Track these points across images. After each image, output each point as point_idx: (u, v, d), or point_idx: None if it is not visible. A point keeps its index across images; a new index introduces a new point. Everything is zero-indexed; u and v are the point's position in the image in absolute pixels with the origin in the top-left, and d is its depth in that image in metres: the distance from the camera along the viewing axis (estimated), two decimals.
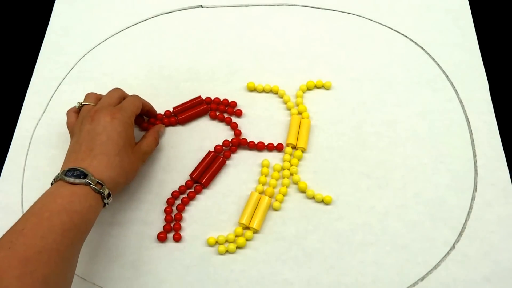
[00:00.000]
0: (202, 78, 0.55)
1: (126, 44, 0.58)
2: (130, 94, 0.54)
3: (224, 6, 0.60)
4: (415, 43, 0.56)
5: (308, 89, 0.54)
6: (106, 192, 0.41)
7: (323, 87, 0.54)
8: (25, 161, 0.51)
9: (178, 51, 0.57)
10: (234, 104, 0.52)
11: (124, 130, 0.44)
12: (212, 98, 0.53)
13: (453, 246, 0.45)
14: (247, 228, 0.46)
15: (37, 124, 0.53)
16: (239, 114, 0.52)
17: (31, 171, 0.50)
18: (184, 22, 0.59)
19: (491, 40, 0.57)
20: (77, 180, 0.39)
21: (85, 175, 0.39)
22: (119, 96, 0.47)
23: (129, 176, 0.44)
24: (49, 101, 0.54)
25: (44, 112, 0.53)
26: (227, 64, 0.56)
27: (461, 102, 0.52)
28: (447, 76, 0.54)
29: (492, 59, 0.55)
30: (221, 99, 0.53)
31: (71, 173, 0.39)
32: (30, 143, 0.52)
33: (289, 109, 0.53)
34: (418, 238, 0.45)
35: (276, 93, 0.54)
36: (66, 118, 0.48)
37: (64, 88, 0.55)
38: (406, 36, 0.57)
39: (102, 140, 0.42)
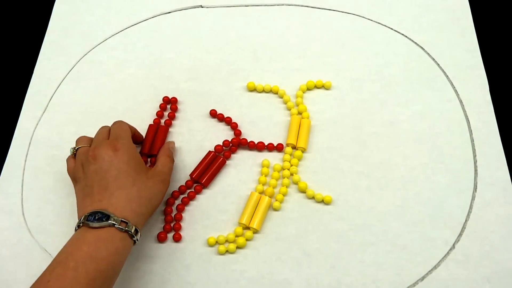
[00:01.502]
0: (202, 78, 0.55)
1: (126, 44, 0.58)
2: (129, 95, 0.54)
3: (224, 6, 0.60)
4: (415, 43, 0.56)
5: (308, 89, 0.54)
6: (132, 230, 0.39)
7: (323, 87, 0.54)
8: (25, 161, 0.51)
9: (178, 51, 0.57)
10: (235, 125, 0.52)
11: (132, 158, 0.42)
12: (213, 107, 0.53)
13: (453, 246, 0.45)
14: (247, 228, 0.46)
15: (37, 124, 0.53)
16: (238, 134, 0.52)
17: (31, 171, 0.50)
18: (184, 22, 0.59)
19: (491, 40, 0.57)
20: (101, 224, 0.37)
21: (107, 216, 0.38)
22: (107, 130, 0.46)
23: (153, 203, 0.42)
24: (49, 101, 0.54)
25: (44, 112, 0.54)
26: (227, 64, 0.56)
27: (461, 102, 0.52)
28: (447, 76, 0.54)
29: (492, 59, 0.55)
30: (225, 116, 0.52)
31: (93, 217, 0.38)
32: (30, 143, 0.52)
33: (289, 109, 0.53)
34: (418, 238, 0.45)
35: (276, 93, 0.54)
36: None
37: (64, 88, 0.55)
38: (406, 36, 0.57)
39: (113, 175, 0.40)
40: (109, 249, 0.37)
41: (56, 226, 0.47)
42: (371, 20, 0.58)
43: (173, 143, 0.49)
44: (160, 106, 0.53)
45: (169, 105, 0.53)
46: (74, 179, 0.44)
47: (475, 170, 0.48)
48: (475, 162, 0.49)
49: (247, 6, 0.60)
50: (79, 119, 0.53)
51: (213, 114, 0.52)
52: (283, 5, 0.60)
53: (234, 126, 0.52)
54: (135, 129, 0.49)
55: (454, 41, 0.56)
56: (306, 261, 0.45)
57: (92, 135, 0.52)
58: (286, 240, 0.46)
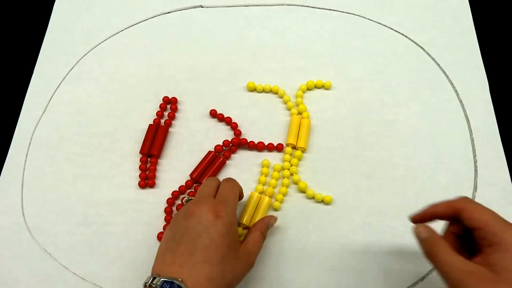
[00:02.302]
0: (202, 78, 0.55)
1: (126, 44, 0.58)
2: (129, 95, 0.54)
3: (224, 6, 0.60)
4: (415, 43, 0.56)
5: (308, 89, 0.54)
6: None
7: (323, 87, 0.54)
8: (25, 161, 0.51)
9: (178, 51, 0.57)
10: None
11: (229, 232, 0.38)
12: (213, 107, 0.53)
13: None
14: (247, 228, 0.46)
15: (37, 124, 0.53)
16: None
17: (31, 171, 0.50)
18: (184, 22, 0.59)
19: (491, 40, 0.57)
20: None
21: None
22: (217, 185, 0.42)
23: (232, 285, 0.38)
24: (49, 101, 0.54)
25: (44, 112, 0.54)
26: (227, 64, 0.56)
27: (461, 102, 0.52)
28: (447, 76, 0.54)
29: (492, 59, 0.55)
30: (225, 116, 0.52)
31: (168, 286, 0.34)
32: (30, 143, 0.52)
33: (289, 109, 0.53)
34: None
35: (276, 93, 0.54)
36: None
37: (64, 88, 0.55)
38: (406, 36, 0.57)
39: (204, 244, 0.36)
40: None
41: (56, 226, 0.47)
42: (371, 20, 0.58)
43: (274, 219, 0.45)
44: (160, 106, 0.53)
45: (169, 105, 0.53)
46: (170, 223, 0.40)
47: (475, 170, 0.48)
48: (475, 162, 0.49)
49: (247, 6, 0.60)
50: (79, 119, 0.53)
51: (213, 114, 0.52)
52: (283, 5, 0.60)
53: (234, 126, 0.52)
54: (241, 189, 0.44)
55: (454, 41, 0.56)
56: (306, 261, 0.45)
57: (92, 135, 0.52)
58: (286, 240, 0.46)
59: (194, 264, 0.36)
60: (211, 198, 0.40)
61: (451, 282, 0.32)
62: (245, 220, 0.46)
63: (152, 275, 0.36)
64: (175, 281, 0.34)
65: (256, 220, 0.46)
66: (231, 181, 0.43)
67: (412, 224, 0.38)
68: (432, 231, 0.36)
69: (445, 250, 0.34)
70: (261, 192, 0.48)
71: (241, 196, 0.44)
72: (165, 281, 0.35)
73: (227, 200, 0.40)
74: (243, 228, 0.46)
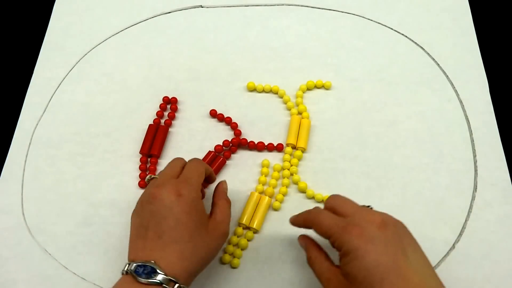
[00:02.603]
0: (202, 78, 0.55)
1: (126, 44, 0.58)
2: (129, 95, 0.54)
3: (224, 6, 0.60)
4: (415, 43, 0.56)
5: (308, 89, 0.54)
6: None
7: (323, 87, 0.54)
8: (25, 161, 0.51)
9: (178, 51, 0.57)
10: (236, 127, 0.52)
11: (194, 209, 0.38)
12: (213, 107, 0.53)
13: (453, 246, 0.45)
14: (247, 228, 0.46)
15: (37, 124, 0.53)
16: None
17: (31, 171, 0.50)
18: (184, 22, 0.59)
19: (491, 40, 0.57)
20: (149, 281, 0.34)
21: (156, 272, 0.34)
22: (181, 165, 0.42)
23: (207, 260, 0.39)
24: (49, 101, 0.54)
25: (44, 112, 0.54)
26: (227, 64, 0.56)
27: (461, 102, 0.52)
28: (447, 76, 0.54)
29: (492, 59, 0.55)
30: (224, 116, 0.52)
31: (142, 269, 0.35)
32: (30, 143, 0.52)
33: (289, 109, 0.53)
34: (418, 238, 0.45)
35: (276, 93, 0.54)
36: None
37: (64, 88, 0.55)
38: (406, 36, 0.57)
39: (170, 225, 0.36)
40: None
41: (56, 226, 0.47)
42: (371, 20, 0.58)
43: (225, 182, 0.45)
44: (160, 106, 0.53)
45: (169, 105, 0.53)
46: (135, 206, 0.40)
47: (475, 170, 0.48)
48: (475, 162, 0.49)
49: (247, 6, 0.60)
50: (79, 119, 0.53)
51: (213, 114, 0.52)
52: (283, 5, 0.60)
53: (234, 126, 0.52)
54: (211, 170, 0.44)
55: (454, 41, 0.56)
56: (306, 261, 0.44)
57: (92, 135, 0.52)
58: (286, 240, 0.46)
59: (164, 246, 0.36)
60: (173, 179, 0.39)
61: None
62: (245, 220, 0.46)
63: (127, 262, 0.37)
64: (147, 264, 0.35)
65: (256, 220, 0.46)
66: (195, 161, 0.42)
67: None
68: (308, 241, 0.40)
69: (317, 258, 0.38)
70: (261, 192, 0.48)
71: (211, 177, 0.44)
72: (138, 265, 0.35)
73: (189, 178, 0.40)
74: (243, 228, 0.46)
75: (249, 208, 0.46)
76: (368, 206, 0.38)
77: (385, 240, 0.33)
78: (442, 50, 0.56)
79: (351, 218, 0.35)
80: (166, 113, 0.53)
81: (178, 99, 0.53)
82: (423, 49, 0.56)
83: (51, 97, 0.54)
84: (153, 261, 0.35)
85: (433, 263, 0.44)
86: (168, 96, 0.53)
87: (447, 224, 0.46)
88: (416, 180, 0.48)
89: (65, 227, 0.47)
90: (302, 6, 0.60)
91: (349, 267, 0.33)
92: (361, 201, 0.47)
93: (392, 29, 0.58)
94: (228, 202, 0.43)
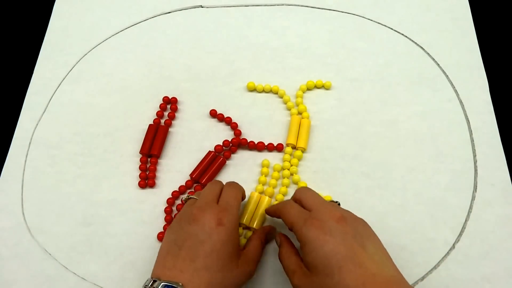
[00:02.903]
0: (202, 78, 0.55)
1: (126, 44, 0.58)
2: (129, 95, 0.54)
3: (224, 6, 0.60)
4: (415, 43, 0.56)
5: (308, 89, 0.54)
6: None
7: (323, 87, 0.54)
8: (25, 161, 0.51)
9: (178, 51, 0.57)
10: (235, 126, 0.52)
11: (231, 240, 0.38)
12: (213, 107, 0.53)
13: (453, 246, 0.45)
14: (247, 228, 0.46)
15: (37, 124, 0.53)
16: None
17: (31, 171, 0.50)
18: (184, 22, 0.59)
19: (491, 40, 0.57)
20: None
21: None
22: (220, 188, 0.42)
23: None
24: (49, 101, 0.54)
25: (44, 112, 0.54)
26: (227, 64, 0.56)
27: (461, 102, 0.52)
28: (447, 76, 0.54)
29: (492, 59, 0.55)
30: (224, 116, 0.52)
31: None
32: (30, 143, 0.52)
33: (289, 109, 0.53)
34: (418, 238, 0.45)
35: (276, 93, 0.54)
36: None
37: (64, 88, 0.55)
38: (406, 36, 0.57)
39: (206, 251, 0.36)
40: None
41: (56, 226, 0.47)
42: (371, 20, 0.58)
43: (274, 229, 0.45)
44: (160, 106, 0.53)
45: (169, 105, 0.53)
46: (171, 223, 0.41)
47: (475, 170, 0.48)
48: (475, 162, 0.49)
49: (247, 6, 0.60)
50: (79, 119, 0.53)
51: (213, 114, 0.52)
52: (283, 5, 0.60)
53: (234, 126, 0.52)
54: (244, 192, 0.44)
55: (454, 41, 0.56)
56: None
57: (92, 135, 0.52)
58: None
59: (195, 270, 0.35)
60: (215, 204, 0.39)
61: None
62: (245, 219, 0.46)
63: (152, 278, 0.36)
64: (176, 286, 0.34)
65: (256, 220, 0.46)
66: (234, 185, 0.43)
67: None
68: (283, 238, 0.42)
69: (287, 253, 0.39)
70: (261, 192, 0.48)
71: (243, 198, 0.44)
72: (166, 285, 0.35)
73: (230, 206, 0.40)
74: (243, 228, 0.46)
75: (249, 208, 0.46)
76: (336, 202, 0.41)
77: (343, 232, 0.35)
78: (442, 50, 0.56)
79: (314, 212, 0.37)
80: (166, 113, 0.53)
81: (178, 99, 0.53)
82: (423, 49, 0.56)
83: (51, 97, 0.54)
84: (181, 284, 0.35)
85: (433, 263, 0.44)
86: (168, 96, 0.53)
87: (447, 224, 0.46)
88: (416, 180, 0.48)
89: (65, 227, 0.47)
90: (302, 6, 0.60)
91: (310, 257, 0.35)
92: (361, 201, 0.47)
93: (392, 29, 0.58)
94: (263, 244, 0.43)
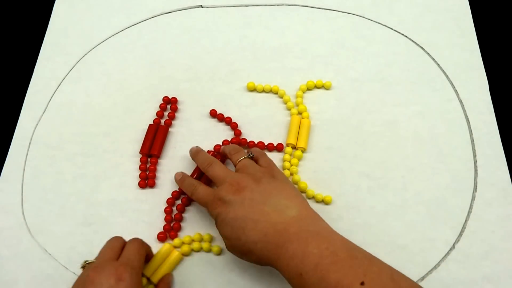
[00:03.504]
0: (202, 78, 0.55)
1: (126, 44, 0.58)
2: (129, 95, 0.54)
3: (224, 6, 0.60)
4: (415, 43, 0.56)
5: (308, 89, 0.54)
6: None
7: (323, 87, 0.54)
8: (25, 161, 0.51)
9: (178, 51, 0.57)
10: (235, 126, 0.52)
11: None
12: (214, 107, 0.53)
13: (453, 246, 0.45)
14: (150, 282, 0.44)
15: (37, 124, 0.53)
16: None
17: (31, 171, 0.50)
18: (184, 22, 0.59)
19: (491, 40, 0.57)
20: None
21: None
22: (121, 245, 0.40)
23: None
24: (49, 101, 0.54)
25: (44, 112, 0.54)
26: (227, 64, 0.56)
27: (461, 102, 0.52)
28: (447, 76, 0.54)
29: (492, 59, 0.55)
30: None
31: None
32: (30, 143, 0.52)
33: (289, 109, 0.53)
34: (418, 238, 0.45)
35: (276, 93, 0.54)
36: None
37: (64, 88, 0.55)
38: (406, 36, 0.57)
39: None
40: None
41: (56, 226, 0.47)
42: (371, 20, 0.58)
43: (172, 275, 0.44)
44: (160, 106, 0.53)
45: (169, 105, 0.53)
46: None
47: (475, 170, 0.48)
48: (475, 162, 0.49)
49: (247, 6, 0.60)
50: (79, 119, 0.53)
51: (213, 114, 0.52)
52: (283, 5, 0.60)
53: (234, 126, 0.52)
54: (150, 249, 0.43)
55: (454, 41, 0.56)
56: None
57: (92, 135, 0.52)
58: None
59: None
60: (113, 261, 0.38)
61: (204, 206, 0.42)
62: (148, 271, 0.43)
63: None
64: None
65: (159, 274, 0.43)
66: (137, 241, 0.41)
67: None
68: (184, 174, 0.46)
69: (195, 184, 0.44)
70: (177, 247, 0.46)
71: (149, 256, 0.43)
72: None
73: (131, 261, 0.38)
74: (147, 280, 0.43)
75: (156, 260, 0.44)
76: (250, 155, 0.45)
77: (240, 200, 0.39)
78: (442, 50, 0.56)
79: (216, 191, 0.41)
80: (166, 113, 0.53)
81: (178, 99, 0.53)
82: (423, 49, 0.56)
83: (51, 97, 0.54)
84: None
85: (433, 263, 0.44)
86: (168, 96, 0.53)
87: (447, 224, 0.46)
88: (416, 180, 0.48)
89: (65, 227, 0.47)
90: (302, 6, 0.60)
91: (220, 230, 0.40)
92: (361, 201, 0.47)
93: (392, 29, 0.58)
94: None
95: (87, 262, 0.39)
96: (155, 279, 0.43)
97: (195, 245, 0.45)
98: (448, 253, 0.44)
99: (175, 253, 0.44)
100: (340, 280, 0.32)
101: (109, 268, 0.36)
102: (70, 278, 0.45)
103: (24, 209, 0.48)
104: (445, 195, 0.47)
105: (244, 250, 0.38)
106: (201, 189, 0.43)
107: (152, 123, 0.52)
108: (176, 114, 0.53)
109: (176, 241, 0.45)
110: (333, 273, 0.33)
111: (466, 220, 0.46)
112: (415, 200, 0.47)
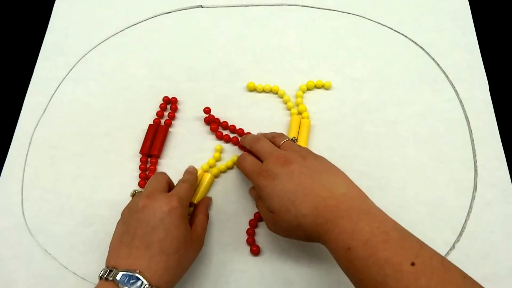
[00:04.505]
0: (202, 78, 0.55)
1: (126, 44, 0.58)
2: (129, 95, 0.54)
3: (224, 6, 0.60)
4: (415, 43, 0.56)
5: (308, 89, 0.54)
6: None
7: (323, 87, 0.54)
8: (25, 161, 0.51)
9: (178, 51, 0.57)
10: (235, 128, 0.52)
11: (183, 222, 0.39)
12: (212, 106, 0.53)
13: (453, 246, 0.45)
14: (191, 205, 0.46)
15: (37, 124, 0.53)
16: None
17: (31, 171, 0.50)
18: (184, 22, 0.59)
19: (491, 40, 0.57)
20: None
21: (141, 282, 0.35)
22: (166, 180, 0.43)
23: (184, 272, 0.40)
24: (49, 101, 0.54)
25: (44, 112, 0.54)
26: (227, 64, 0.56)
27: (461, 102, 0.52)
28: (447, 76, 0.54)
29: (492, 59, 0.55)
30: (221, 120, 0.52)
31: (126, 278, 0.35)
32: (30, 143, 0.52)
33: (289, 109, 0.53)
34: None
35: (276, 93, 0.54)
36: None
37: (64, 88, 0.55)
38: (406, 36, 0.57)
39: (159, 236, 0.37)
40: None
41: (56, 226, 0.47)
42: (371, 20, 0.58)
43: (210, 199, 0.48)
44: (160, 106, 0.53)
45: (169, 105, 0.53)
46: (121, 217, 0.41)
47: (475, 170, 0.48)
48: (475, 162, 0.49)
49: (247, 6, 0.60)
50: (79, 119, 0.53)
51: (207, 121, 0.52)
52: (283, 5, 0.60)
53: (232, 129, 0.51)
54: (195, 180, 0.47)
55: (454, 41, 0.56)
56: (306, 261, 0.45)
57: (92, 135, 0.52)
58: (286, 239, 0.46)
59: (152, 256, 0.36)
60: (164, 192, 0.41)
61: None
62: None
63: (107, 268, 0.37)
64: (134, 274, 0.35)
65: (197, 195, 0.47)
66: (188, 181, 0.44)
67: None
68: (254, 192, 0.46)
69: (260, 205, 0.42)
70: (206, 170, 0.49)
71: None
72: (123, 274, 0.35)
73: (179, 192, 0.41)
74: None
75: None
76: (293, 139, 0.45)
77: (289, 173, 0.39)
78: (442, 50, 0.56)
79: (264, 163, 0.41)
80: (166, 113, 0.53)
81: (178, 99, 0.53)
82: (423, 49, 0.56)
83: (51, 97, 0.54)
84: (138, 271, 0.35)
85: None
86: (168, 96, 0.53)
87: (447, 224, 0.46)
88: (416, 180, 0.48)
89: (65, 227, 0.47)
90: (302, 6, 0.60)
91: (267, 202, 0.39)
92: None
93: (392, 29, 0.58)
94: (207, 217, 0.45)
95: (136, 191, 0.45)
96: (194, 199, 0.46)
97: (222, 166, 0.49)
98: (448, 253, 0.44)
99: (207, 176, 0.48)
100: (389, 258, 0.32)
101: (161, 197, 0.39)
102: (70, 278, 0.45)
103: (24, 209, 0.48)
104: (445, 195, 0.47)
105: (292, 225, 0.37)
106: (249, 159, 0.43)
107: (152, 123, 0.52)
108: (176, 114, 0.53)
109: (204, 165, 0.49)
110: (382, 251, 0.32)
111: (466, 220, 0.46)
112: (415, 200, 0.47)
